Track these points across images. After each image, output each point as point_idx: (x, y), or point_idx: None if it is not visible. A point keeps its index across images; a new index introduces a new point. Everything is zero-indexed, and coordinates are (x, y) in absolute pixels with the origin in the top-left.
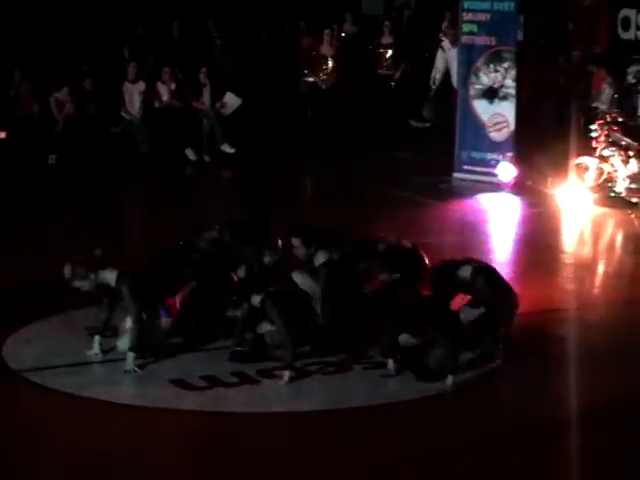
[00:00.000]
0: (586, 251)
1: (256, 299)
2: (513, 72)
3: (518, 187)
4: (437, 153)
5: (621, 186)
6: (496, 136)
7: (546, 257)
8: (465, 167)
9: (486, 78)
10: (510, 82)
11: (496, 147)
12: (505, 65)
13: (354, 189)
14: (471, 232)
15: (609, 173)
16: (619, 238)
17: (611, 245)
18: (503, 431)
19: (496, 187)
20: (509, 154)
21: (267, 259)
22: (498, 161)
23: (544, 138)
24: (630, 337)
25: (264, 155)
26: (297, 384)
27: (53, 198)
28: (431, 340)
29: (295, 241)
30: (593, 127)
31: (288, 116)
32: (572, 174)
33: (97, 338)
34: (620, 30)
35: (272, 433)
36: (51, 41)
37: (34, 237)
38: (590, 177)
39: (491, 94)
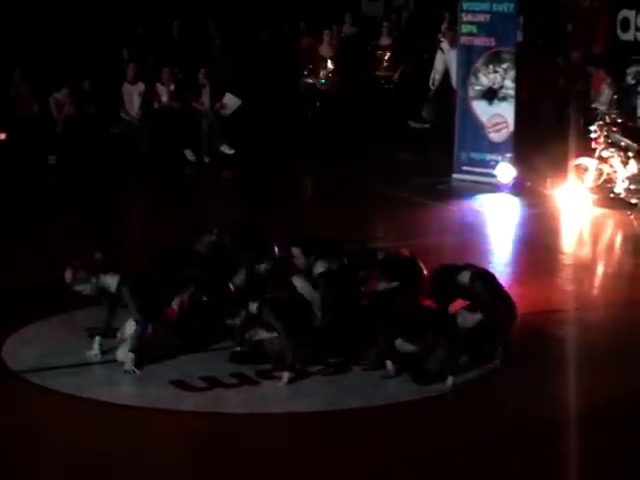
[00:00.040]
0: (585, 252)
1: (253, 306)
2: (512, 73)
3: (517, 188)
4: (436, 154)
5: (620, 187)
6: (495, 137)
7: (545, 258)
8: (464, 168)
9: (485, 79)
10: (509, 83)
11: (495, 148)
12: (504, 66)
13: (353, 189)
14: (470, 233)
15: (608, 174)
16: (618, 239)
17: (610, 246)
18: (503, 431)
19: (495, 188)
20: (508, 155)
21: (264, 266)
22: (497, 162)
23: (543, 139)
24: (629, 338)
25: (264, 156)
26: (297, 385)
27: (53, 198)
28: (431, 345)
29: (295, 250)
30: (592, 128)
31: (288, 116)
32: (571, 175)
33: (97, 339)
34: (619, 31)
35: (272, 434)
36: (51, 41)
37: (34, 237)
38: (589, 178)
39: (490, 95)
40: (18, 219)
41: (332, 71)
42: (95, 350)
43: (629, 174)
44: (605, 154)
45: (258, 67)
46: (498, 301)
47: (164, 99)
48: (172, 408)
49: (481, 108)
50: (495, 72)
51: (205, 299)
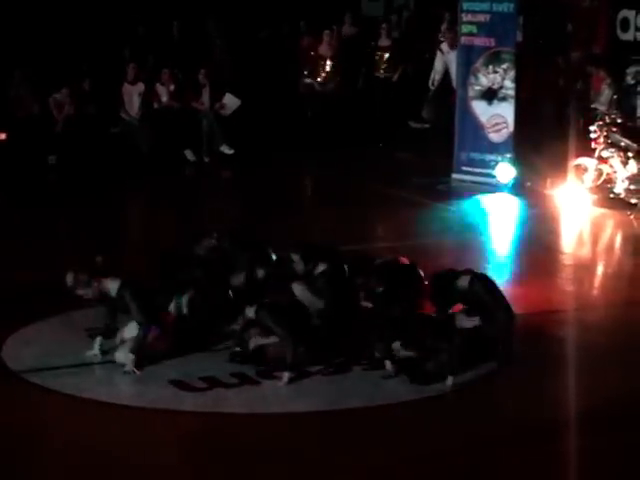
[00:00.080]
0: (585, 252)
1: (250, 311)
2: (512, 73)
3: (517, 188)
4: (436, 154)
5: (620, 187)
6: (495, 137)
7: (545, 258)
8: (464, 168)
9: (485, 79)
10: (509, 83)
11: (495, 148)
12: (504, 66)
13: (353, 189)
14: (470, 233)
15: (608, 174)
16: (618, 239)
17: (610, 246)
18: (503, 431)
19: (495, 188)
20: (508, 155)
21: (261, 272)
22: (497, 162)
23: (543, 139)
24: (629, 338)
25: (264, 156)
26: (297, 385)
27: (53, 198)
28: (429, 351)
29: (294, 257)
30: (592, 128)
31: (288, 116)
32: (571, 175)
33: (98, 339)
34: (619, 31)
35: (272, 434)
36: (51, 41)
37: (34, 237)
38: (589, 178)
39: (490, 95)
40: (18, 219)
41: (331, 71)
42: (95, 350)
43: (629, 174)
44: (605, 154)
45: (258, 67)
46: (497, 306)
47: (164, 99)
48: (172, 408)
49: (481, 108)
50: (495, 72)
51: (205, 302)
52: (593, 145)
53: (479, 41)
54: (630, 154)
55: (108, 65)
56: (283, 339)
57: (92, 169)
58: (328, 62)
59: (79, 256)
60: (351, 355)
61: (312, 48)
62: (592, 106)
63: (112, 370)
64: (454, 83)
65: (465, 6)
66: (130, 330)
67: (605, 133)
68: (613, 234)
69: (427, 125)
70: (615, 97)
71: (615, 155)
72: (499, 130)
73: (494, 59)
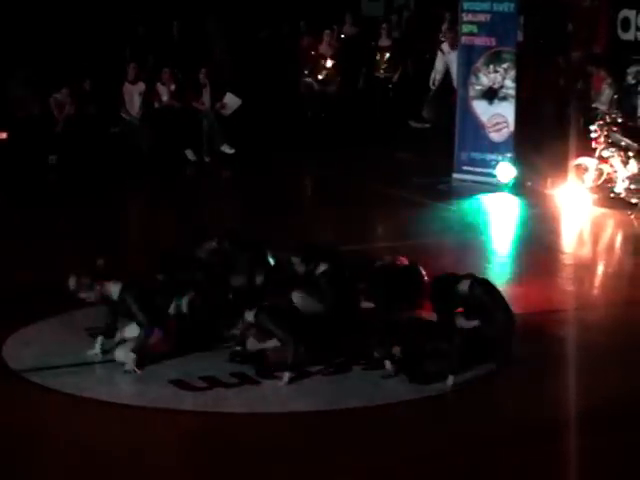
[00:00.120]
0: (585, 252)
1: (250, 315)
2: (513, 73)
3: (518, 188)
4: (437, 154)
5: (621, 187)
6: (496, 137)
7: (546, 258)
8: (465, 168)
9: (486, 79)
10: (510, 83)
11: (496, 148)
12: (505, 66)
13: (354, 189)
14: (471, 233)
15: (609, 174)
16: (618, 239)
17: (610, 246)
18: (503, 431)
19: (496, 188)
20: (509, 155)
21: (260, 276)
22: (498, 162)
23: (544, 139)
24: (629, 338)
25: (264, 155)
26: (297, 385)
27: (53, 198)
28: (431, 353)
29: (295, 259)
30: (593, 128)
31: (288, 116)
32: (572, 175)
33: (99, 339)
34: (620, 31)
35: (272, 433)
36: (52, 41)
37: (34, 237)
38: (590, 178)
39: (491, 95)
40: (18, 219)
41: (331, 71)
42: (96, 349)
43: (629, 174)
44: (605, 154)
45: (258, 67)
46: (497, 308)
47: (164, 99)
48: (172, 408)
49: (481, 108)
50: (495, 72)
51: (205, 303)
52: (593, 145)
53: (480, 41)
54: (630, 154)
55: (109, 65)
56: (284, 340)
57: (93, 169)
58: (328, 62)
59: (79, 256)
60: (351, 355)
61: (312, 48)
62: (593, 106)
63: (112, 369)
64: (455, 83)
65: (466, 6)
66: (131, 330)
67: (606, 133)
68: (613, 234)
69: (427, 125)
70: (616, 97)
71: (615, 155)
72: (500, 130)
73: (495, 59)
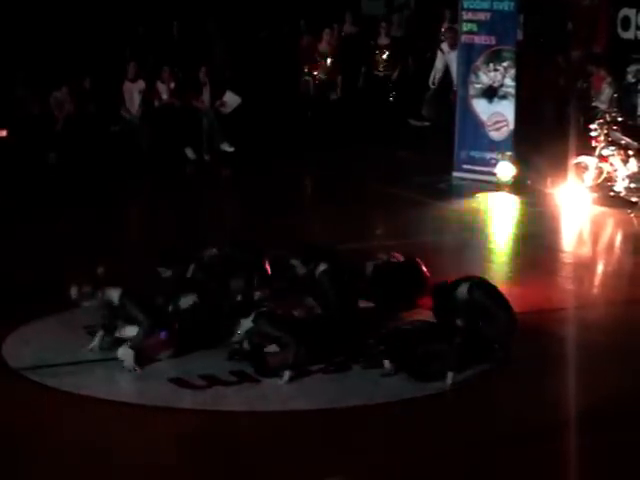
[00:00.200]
0: (585, 250)
1: (247, 322)
2: (513, 71)
3: (517, 186)
4: (436, 152)
5: (620, 185)
6: (495, 135)
7: (545, 256)
8: (464, 166)
9: (486, 77)
10: (510, 81)
11: (495, 146)
12: (505, 64)
13: (354, 188)
14: (470, 231)
15: (609, 172)
16: (618, 237)
17: (610, 244)
18: (503, 431)
19: (495, 186)
20: (508, 153)
21: (258, 294)
22: (497, 160)
23: (543, 137)
24: (629, 336)
25: (264, 154)
26: (297, 383)
27: (53, 197)
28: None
29: (294, 262)
30: (593, 126)
31: (288, 115)
32: (571, 173)
33: (100, 333)
34: (620, 30)
35: (272, 432)
36: (51, 40)
37: (34, 236)
38: (589, 176)
39: (491, 93)
40: (18, 218)
41: (330, 69)
42: (95, 342)
43: (629, 172)
44: (605, 152)
45: (258, 67)
46: (497, 308)
47: (164, 97)
48: (171, 406)
49: (481, 106)
50: (495, 70)
51: (205, 304)
52: (593, 143)
53: (480, 39)
54: (630, 152)
55: (108, 63)
56: (285, 342)
57: (92, 167)
58: (328, 60)
59: (79, 256)
60: (351, 354)
61: (312, 47)
62: (592, 104)
63: (111, 368)
64: (455, 83)
65: (466, 4)
66: (132, 330)
67: (605, 131)
68: (613, 232)
69: (427, 123)
70: (616, 96)
71: (615, 153)
72: (499, 128)
73: (495, 57)
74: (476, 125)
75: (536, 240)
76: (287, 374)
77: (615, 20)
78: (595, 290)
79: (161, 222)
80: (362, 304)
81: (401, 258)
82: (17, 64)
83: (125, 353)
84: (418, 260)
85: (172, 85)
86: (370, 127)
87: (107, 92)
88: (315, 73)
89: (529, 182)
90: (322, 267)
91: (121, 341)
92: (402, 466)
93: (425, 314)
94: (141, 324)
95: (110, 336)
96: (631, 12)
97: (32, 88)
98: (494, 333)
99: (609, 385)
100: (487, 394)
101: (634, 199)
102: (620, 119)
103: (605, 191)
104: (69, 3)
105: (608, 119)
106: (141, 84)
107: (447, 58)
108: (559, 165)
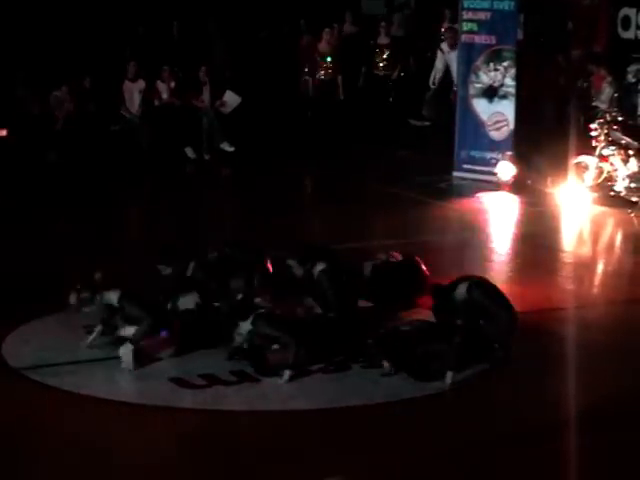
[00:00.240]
0: (585, 250)
1: (246, 324)
2: (513, 71)
3: (518, 186)
4: (437, 152)
5: (621, 185)
6: (496, 135)
7: (545, 256)
8: (465, 166)
9: (486, 77)
10: (510, 81)
11: (496, 146)
12: (505, 64)
13: (354, 188)
14: (471, 231)
15: (609, 172)
16: (618, 237)
17: (610, 244)
18: (503, 431)
19: (496, 186)
20: (509, 153)
21: (258, 300)
22: (498, 160)
23: (544, 137)
24: (629, 336)
25: (264, 154)
26: (297, 383)
27: (53, 197)
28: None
29: (291, 262)
30: (593, 126)
31: (288, 115)
32: (572, 173)
33: (98, 328)
34: (620, 29)
35: (272, 432)
36: (51, 39)
37: (34, 236)
38: (590, 176)
39: (491, 93)
40: (18, 218)
41: (330, 69)
42: (93, 335)
43: (629, 172)
44: (605, 152)
45: (258, 67)
46: (498, 307)
47: (164, 97)
48: (171, 405)
49: (481, 106)
50: (496, 70)
51: (205, 304)
52: (594, 143)
53: (480, 39)
54: (631, 152)
55: (108, 62)
56: (285, 343)
57: (93, 167)
58: (328, 60)
59: (79, 256)
60: (350, 354)
61: (312, 47)
62: (593, 104)
63: (111, 367)
64: (455, 82)
65: (466, 4)
66: (133, 330)
67: (606, 131)
68: (613, 232)
69: (427, 123)
70: (616, 95)
71: (616, 153)
72: (500, 128)
73: (495, 57)
74: (476, 125)
75: (536, 240)
76: (287, 374)
77: (615, 20)
78: (595, 290)
79: (161, 222)
80: (361, 304)
81: (400, 257)
82: (17, 64)
83: (125, 352)
84: (417, 259)
85: (172, 85)
86: (370, 127)
87: (107, 91)
88: (315, 73)
89: (529, 182)
90: (320, 267)
91: (122, 340)
92: (402, 466)
93: (424, 314)
94: (142, 322)
95: (110, 335)
96: (631, 12)
97: (32, 88)
98: (494, 332)
99: (609, 385)
100: (487, 394)
101: (634, 199)
102: (620, 119)
103: (605, 191)
104: (69, 3)
105: (608, 119)
106: (141, 83)
107: (447, 58)
108: (559, 165)
